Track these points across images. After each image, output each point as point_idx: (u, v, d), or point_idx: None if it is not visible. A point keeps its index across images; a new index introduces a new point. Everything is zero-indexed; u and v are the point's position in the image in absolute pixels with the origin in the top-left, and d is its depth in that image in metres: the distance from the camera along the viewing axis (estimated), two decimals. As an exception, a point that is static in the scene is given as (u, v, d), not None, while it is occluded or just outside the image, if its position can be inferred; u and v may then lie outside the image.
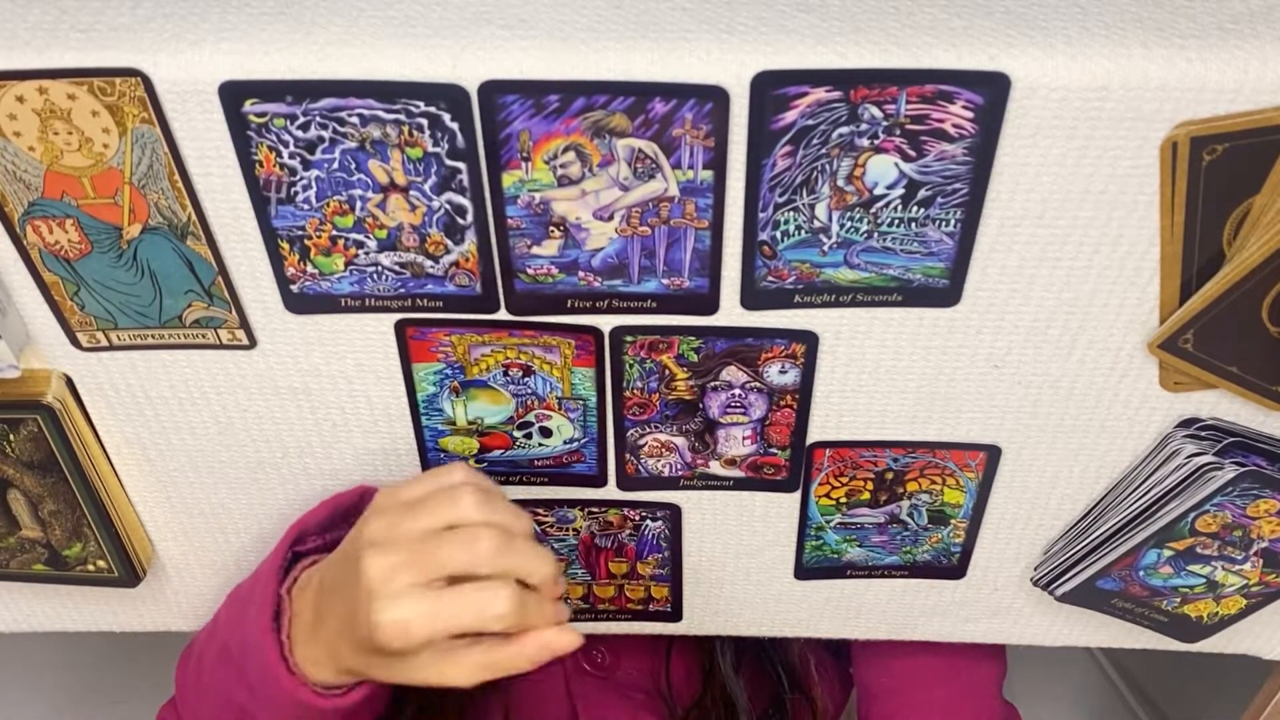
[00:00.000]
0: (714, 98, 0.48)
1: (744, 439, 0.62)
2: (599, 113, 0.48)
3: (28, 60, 0.47)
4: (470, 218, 0.52)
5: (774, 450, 0.63)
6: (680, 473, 0.64)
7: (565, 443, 0.62)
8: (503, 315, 0.56)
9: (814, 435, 0.62)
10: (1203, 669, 1.09)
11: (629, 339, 0.57)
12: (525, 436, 0.62)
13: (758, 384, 0.59)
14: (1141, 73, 0.47)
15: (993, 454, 0.62)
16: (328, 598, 0.56)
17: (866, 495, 0.65)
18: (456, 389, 0.60)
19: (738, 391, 0.59)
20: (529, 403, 0.60)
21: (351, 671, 0.56)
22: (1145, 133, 0.49)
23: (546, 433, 0.62)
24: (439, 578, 0.51)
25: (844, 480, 0.64)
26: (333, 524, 0.63)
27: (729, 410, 0.61)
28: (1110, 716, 1.33)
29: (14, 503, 0.64)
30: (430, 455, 0.63)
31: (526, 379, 0.59)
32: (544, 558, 0.53)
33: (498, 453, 0.63)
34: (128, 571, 0.67)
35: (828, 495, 0.65)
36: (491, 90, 0.47)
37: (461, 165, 0.50)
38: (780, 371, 0.58)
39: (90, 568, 0.67)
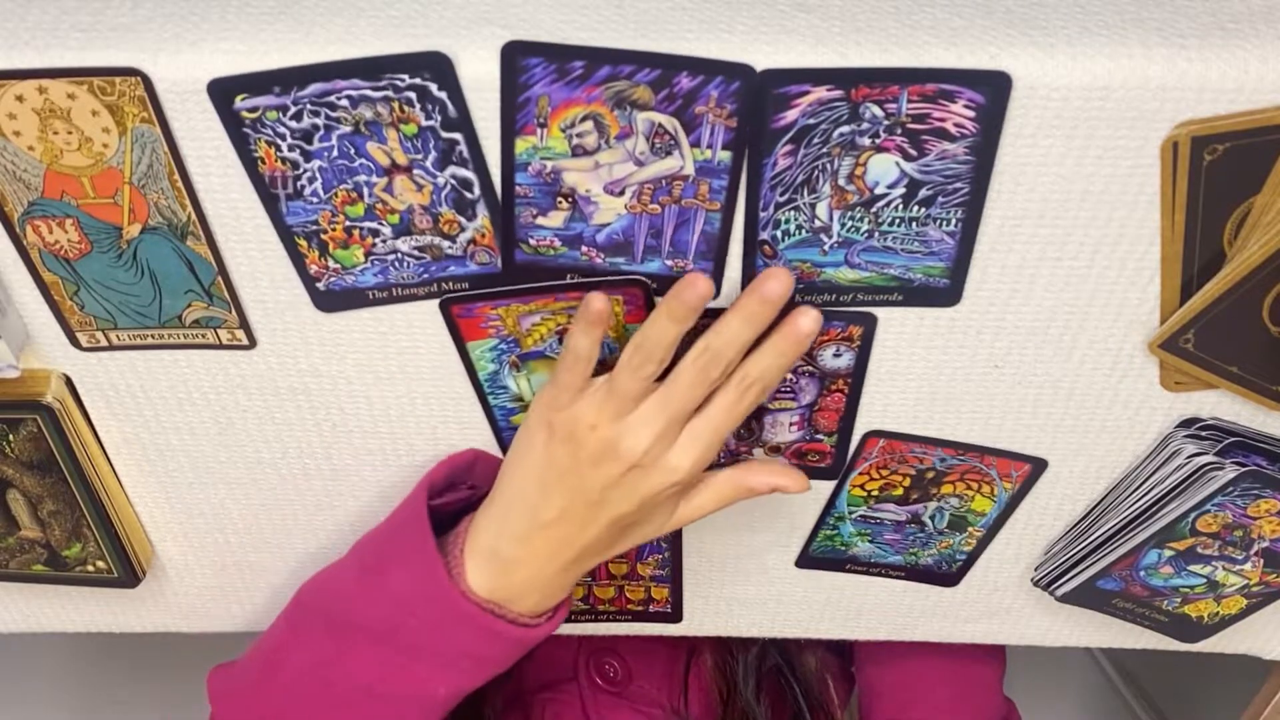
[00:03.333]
0: (741, 76, 0.47)
1: (791, 425, 0.61)
2: (623, 83, 0.48)
3: (28, 60, 0.47)
4: (478, 190, 0.51)
5: (820, 436, 0.62)
6: (722, 460, 0.63)
7: None
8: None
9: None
10: (1203, 669, 1.09)
11: None
12: None
13: (810, 367, 0.58)
14: (1142, 73, 0.47)
15: (1037, 467, 0.62)
16: (564, 525, 0.56)
17: (899, 492, 0.64)
18: (516, 364, 0.58)
19: (789, 375, 0.59)
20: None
21: (593, 567, 0.58)
22: (1146, 133, 0.49)
23: None
24: (688, 415, 0.54)
25: (884, 473, 0.63)
26: (450, 485, 0.62)
27: (778, 395, 0.59)
28: (1110, 716, 1.33)
29: (13, 503, 0.64)
30: (505, 436, 0.62)
31: None
32: (728, 327, 0.52)
33: None
34: (127, 572, 0.67)
35: (862, 486, 0.64)
36: (515, 51, 0.47)
37: (458, 136, 0.49)
38: (835, 355, 0.57)
39: (90, 568, 0.67)
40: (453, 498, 0.62)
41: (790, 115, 0.48)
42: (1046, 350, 0.57)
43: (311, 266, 0.54)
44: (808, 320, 0.52)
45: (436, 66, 0.47)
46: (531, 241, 0.53)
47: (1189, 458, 0.59)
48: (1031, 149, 0.49)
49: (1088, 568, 0.65)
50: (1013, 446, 0.62)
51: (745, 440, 0.62)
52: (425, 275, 0.54)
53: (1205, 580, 0.65)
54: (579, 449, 0.54)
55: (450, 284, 0.54)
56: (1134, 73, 0.47)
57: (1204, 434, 0.59)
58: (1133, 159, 0.50)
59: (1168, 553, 0.63)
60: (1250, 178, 0.50)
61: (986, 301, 0.55)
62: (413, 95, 0.48)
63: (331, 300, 0.55)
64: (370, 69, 0.47)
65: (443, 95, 0.48)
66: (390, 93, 0.48)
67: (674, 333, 0.51)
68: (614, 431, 0.53)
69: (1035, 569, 0.69)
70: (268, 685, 0.62)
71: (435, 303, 0.55)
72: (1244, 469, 0.58)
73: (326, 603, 0.61)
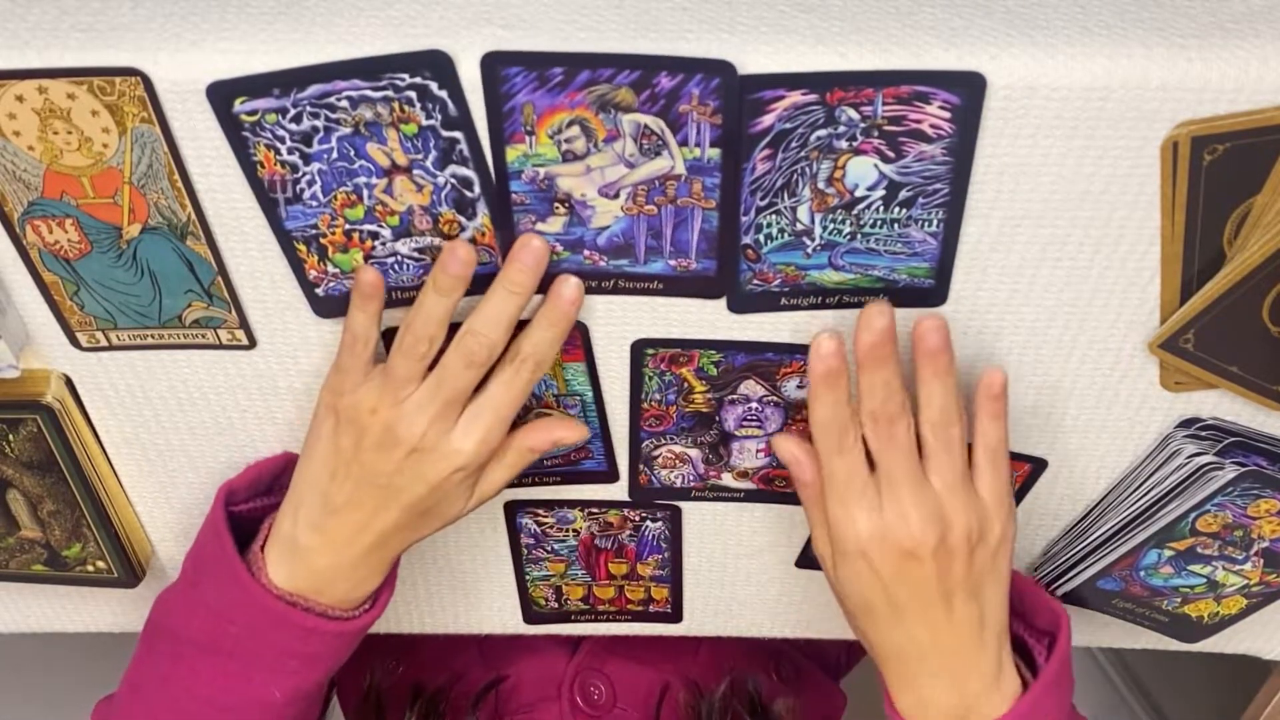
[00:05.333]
0: (721, 73, 0.47)
1: (758, 451, 0.62)
2: (604, 86, 0.47)
3: (28, 60, 0.47)
4: (478, 189, 0.51)
5: None
6: (692, 484, 0.64)
7: None
8: None
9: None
10: (1203, 669, 1.09)
11: (650, 352, 0.57)
12: None
13: (775, 398, 0.59)
14: (1142, 73, 0.47)
15: (1037, 467, 0.62)
16: (356, 511, 0.56)
17: None
18: None
19: (754, 405, 0.59)
20: (528, 403, 0.60)
21: (399, 553, 0.58)
22: (1146, 133, 0.49)
23: None
24: (464, 398, 0.54)
25: None
26: (257, 491, 0.62)
27: (745, 423, 0.60)
28: (1110, 716, 1.33)
29: (13, 503, 0.64)
30: None
31: None
32: (490, 309, 0.53)
33: None
34: (127, 572, 0.67)
35: None
36: (495, 62, 0.47)
37: (459, 134, 0.49)
38: (798, 386, 0.58)
39: (90, 568, 0.67)
40: (264, 503, 0.62)
41: (766, 120, 0.48)
42: (1046, 350, 0.57)
43: (311, 272, 0.54)
44: (569, 287, 0.52)
45: (437, 65, 0.47)
46: None
47: (1189, 458, 0.59)
48: (1031, 149, 0.49)
49: (1088, 568, 0.65)
50: (1013, 446, 0.62)
51: (714, 465, 0.63)
52: (424, 277, 0.54)
53: (1205, 580, 0.65)
54: (362, 435, 0.54)
55: None
56: (1134, 73, 0.47)
57: (1204, 434, 0.59)
58: (1133, 159, 0.50)
59: (1168, 553, 0.63)
60: (1250, 178, 0.50)
61: (986, 302, 0.55)
62: (413, 95, 0.48)
63: (330, 305, 0.55)
64: (370, 69, 0.47)
65: (443, 94, 0.48)
66: (390, 93, 0.48)
67: (442, 307, 0.52)
68: (392, 415, 0.53)
69: (1035, 569, 0.69)
70: (131, 708, 0.63)
71: None
72: (1244, 469, 0.58)
73: (163, 620, 0.61)
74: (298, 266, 0.53)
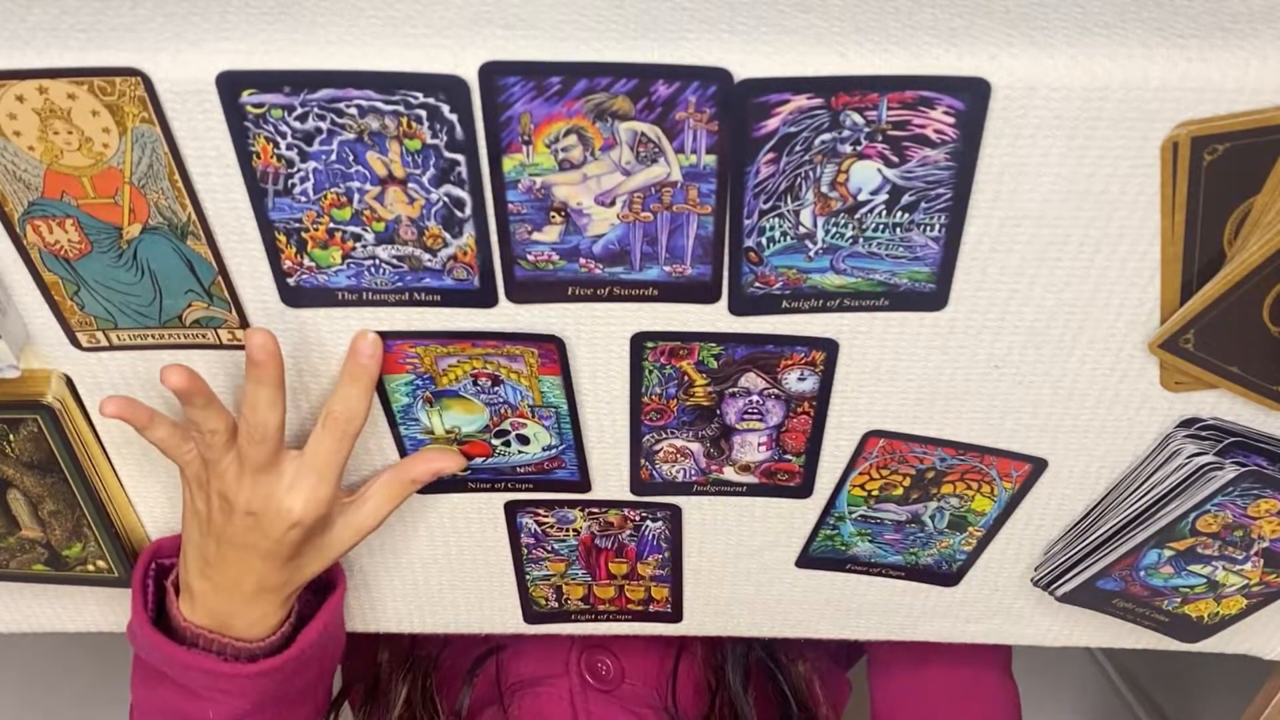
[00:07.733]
0: (718, 80, 0.47)
1: (759, 445, 0.62)
2: (601, 95, 0.48)
3: (28, 60, 0.47)
4: (469, 210, 0.51)
5: (789, 457, 0.62)
6: (694, 478, 0.64)
7: (544, 449, 0.62)
8: (499, 310, 0.55)
9: (845, 427, 0.62)
10: (1203, 669, 1.09)
11: (649, 345, 0.57)
12: (504, 444, 0.62)
13: (776, 390, 0.59)
14: (1142, 73, 0.47)
15: (1038, 467, 0.62)
16: (226, 564, 0.61)
17: (899, 492, 0.65)
18: (430, 399, 0.60)
19: (755, 398, 0.59)
20: (503, 411, 0.60)
21: (291, 591, 0.63)
22: (1146, 133, 0.49)
23: (524, 440, 0.62)
24: (270, 465, 0.58)
25: (884, 473, 0.64)
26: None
27: (746, 416, 0.60)
28: (1110, 716, 1.33)
29: (14, 503, 0.64)
30: None
31: (496, 388, 0.59)
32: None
33: (479, 460, 0.63)
34: (127, 572, 0.67)
35: (862, 486, 0.64)
36: (492, 72, 0.47)
37: (460, 157, 0.50)
38: (799, 379, 0.58)
39: (90, 568, 0.67)
40: None
41: (771, 124, 0.48)
42: (1046, 350, 0.57)
43: (285, 262, 0.54)
44: (365, 343, 0.56)
45: (453, 90, 0.47)
46: (530, 258, 0.53)
47: (1189, 458, 0.59)
48: (1031, 149, 0.49)
49: (1088, 568, 0.65)
50: (1013, 446, 0.62)
51: (716, 459, 0.63)
52: (399, 284, 0.54)
53: (1205, 580, 0.65)
54: (209, 501, 0.60)
55: (422, 294, 0.55)
56: (1134, 73, 0.47)
57: (1204, 434, 0.59)
58: (1133, 159, 0.50)
59: (1168, 553, 0.63)
60: (1250, 178, 0.50)
61: (986, 302, 0.55)
62: (423, 113, 0.48)
63: (299, 296, 0.55)
64: (386, 83, 0.47)
65: (453, 118, 0.48)
66: (401, 108, 0.48)
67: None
68: (220, 484, 0.59)
69: (1035, 569, 0.69)
70: (132, 715, 0.69)
71: (409, 310, 0.56)
72: (1244, 469, 0.58)
73: (131, 642, 0.66)
74: (274, 255, 0.54)
